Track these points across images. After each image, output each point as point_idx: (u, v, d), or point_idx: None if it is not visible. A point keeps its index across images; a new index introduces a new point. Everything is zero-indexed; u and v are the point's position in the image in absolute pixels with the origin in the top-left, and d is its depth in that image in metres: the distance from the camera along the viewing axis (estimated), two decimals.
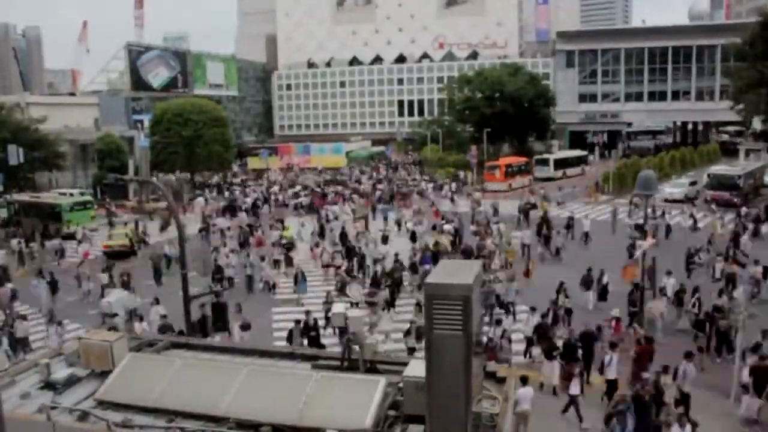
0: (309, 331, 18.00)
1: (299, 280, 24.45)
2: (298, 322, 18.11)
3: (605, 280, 21.52)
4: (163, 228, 37.84)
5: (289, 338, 17.48)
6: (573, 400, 14.23)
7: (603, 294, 21.54)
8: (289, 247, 30.59)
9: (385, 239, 30.30)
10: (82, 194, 47.86)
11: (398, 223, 36.47)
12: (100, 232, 38.23)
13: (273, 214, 43.71)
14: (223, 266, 25.99)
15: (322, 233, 33.66)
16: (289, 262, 27.97)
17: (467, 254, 26.24)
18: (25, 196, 43.80)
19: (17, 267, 31.38)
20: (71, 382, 7.41)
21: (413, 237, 31.46)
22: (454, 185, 50.70)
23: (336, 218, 37.99)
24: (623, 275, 20.54)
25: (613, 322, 18.02)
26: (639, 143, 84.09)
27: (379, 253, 26.90)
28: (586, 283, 21.59)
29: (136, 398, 6.81)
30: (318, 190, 51.36)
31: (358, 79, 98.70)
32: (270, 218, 39.70)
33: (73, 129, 58.55)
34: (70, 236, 37.26)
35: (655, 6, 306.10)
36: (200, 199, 48.65)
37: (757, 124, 61.93)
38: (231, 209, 42.83)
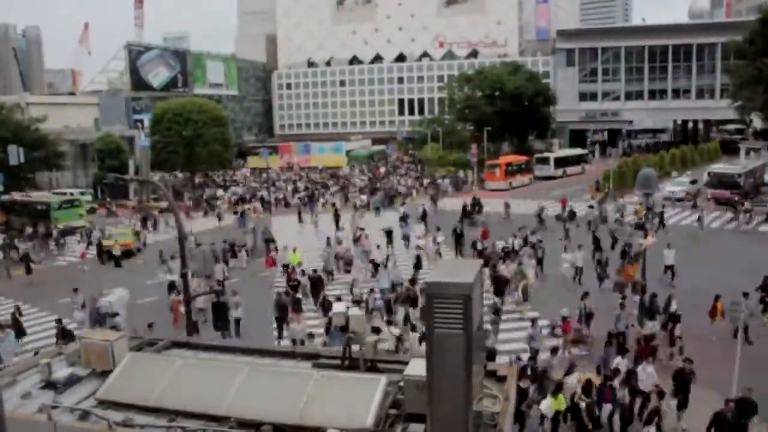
0: None
1: (333, 331, 16.69)
2: None
3: (673, 306, 17.81)
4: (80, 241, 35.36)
5: None
6: None
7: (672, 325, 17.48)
8: (294, 286, 21.98)
9: (348, 263, 25.37)
10: (82, 194, 47.96)
11: (406, 239, 30.39)
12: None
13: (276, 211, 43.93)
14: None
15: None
16: (297, 306, 19.69)
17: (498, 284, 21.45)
18: (16, 196, 43.86)
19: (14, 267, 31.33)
20: (72, 381, 7.40)
21: (418, 262, 25.17)
22: (433, 187, 49.89)
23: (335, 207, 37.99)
24: (622, 275, 20.16)
25: (561, 321, 16.98)
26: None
27: (399, 277, 21.93)
28: (650, 312, 17.76)
29: (136, 398, 6.81)
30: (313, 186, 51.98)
31: (358, 78, 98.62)
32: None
33: (73, 129, 58.66)
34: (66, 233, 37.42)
35: (655, 4, 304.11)
36: (221, 192, 53.38)
37: (757, 122, 61.83)
38: (243, 200, 47.57)
